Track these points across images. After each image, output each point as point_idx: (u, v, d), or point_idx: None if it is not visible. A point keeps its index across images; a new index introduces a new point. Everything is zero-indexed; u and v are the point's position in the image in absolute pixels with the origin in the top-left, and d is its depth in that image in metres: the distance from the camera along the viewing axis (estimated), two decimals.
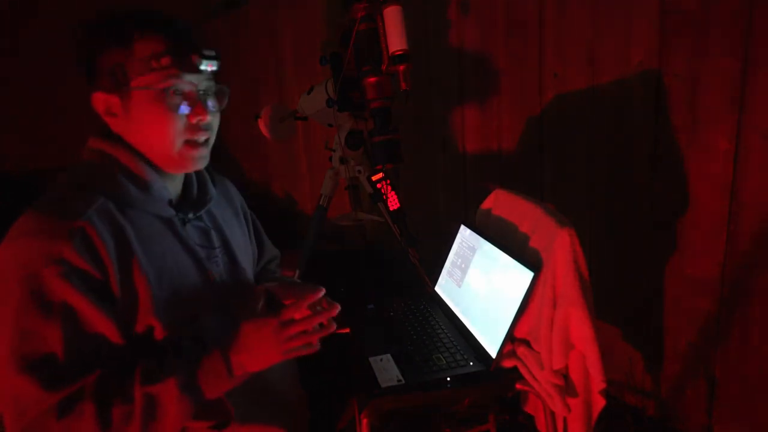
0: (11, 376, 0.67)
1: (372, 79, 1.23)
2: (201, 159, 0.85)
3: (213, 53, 0.81)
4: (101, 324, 0.72)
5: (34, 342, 0.68)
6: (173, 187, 0.88)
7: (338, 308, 0.83)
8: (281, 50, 3.29)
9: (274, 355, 0.77)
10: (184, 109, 0.79)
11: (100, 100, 0.79)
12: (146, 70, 0.76)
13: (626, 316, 1.56)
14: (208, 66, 0.80)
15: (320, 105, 1.53)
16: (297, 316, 0.78)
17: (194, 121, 0.80)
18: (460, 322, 1.15)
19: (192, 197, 0.92)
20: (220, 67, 0.83)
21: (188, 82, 0.79)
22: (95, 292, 0.71)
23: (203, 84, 0.82)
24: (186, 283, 0.84)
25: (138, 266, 0.76)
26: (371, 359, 1.04)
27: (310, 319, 0.78)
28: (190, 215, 0.89)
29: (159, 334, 0.78)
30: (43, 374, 0.67)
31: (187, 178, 0.92)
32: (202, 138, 0.83)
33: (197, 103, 0.80)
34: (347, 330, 1.21)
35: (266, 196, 4.06)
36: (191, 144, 0.82)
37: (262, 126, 1.76)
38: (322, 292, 0.83)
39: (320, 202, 1.71)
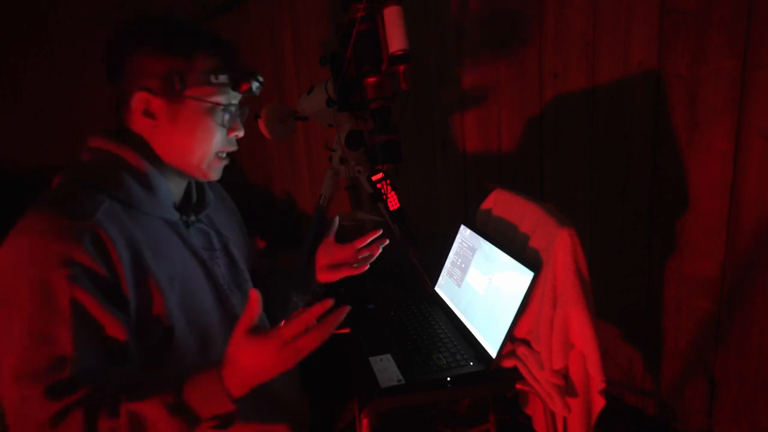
0: (18, 384, 0.65)
1: (372, 79, 1.23)
2: (221, 171, 0.90)
3: (263, 79, 0.89)
4: (111, 327, 0.70)
5: (45, 347, 0.66)
6: (177, 191, 0.89)
7: (345, 310, 0.71)
8: (281, 50, 3.29)
9: (278, 370, 0.70)
10: (227, 124, 0.86)
11: (142, 100, 0.79)
12: (203, 82, 0.80)
13: (626, 316, 1.56)
14: (259, 90, 0.88)
15: (320, 105, 1.53)
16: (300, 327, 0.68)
17: (231, 135, 0.88)
18: (460, 322, 1.14)
19: (192, 201, 0.93)
20: None
21: (235, 99, 0.86)
22: (106, 293, 0.70)
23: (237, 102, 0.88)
24: (194, 285, 0.84)
25: (149, 269, 0.76)
26: (371, 359, 1.04)
27: (319, 329, 0.69)
28: (193, 218, 0.90)
29: (174, 337, 0.78)
30: (50, 383, 0.66)
31: (188, 183, 0.93)
32: (231, 150, 0.89)
33: (236, 120, 0.87)
34: (347, 330, 1.20)
35: (267, 197, 4.06)
36: (220, 157, 0.88)
37: (262, 126, 1.75)
38: (330, 302, 0.71)
39: (320, 202, 1.71)
